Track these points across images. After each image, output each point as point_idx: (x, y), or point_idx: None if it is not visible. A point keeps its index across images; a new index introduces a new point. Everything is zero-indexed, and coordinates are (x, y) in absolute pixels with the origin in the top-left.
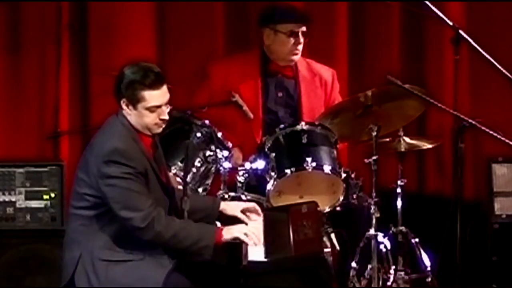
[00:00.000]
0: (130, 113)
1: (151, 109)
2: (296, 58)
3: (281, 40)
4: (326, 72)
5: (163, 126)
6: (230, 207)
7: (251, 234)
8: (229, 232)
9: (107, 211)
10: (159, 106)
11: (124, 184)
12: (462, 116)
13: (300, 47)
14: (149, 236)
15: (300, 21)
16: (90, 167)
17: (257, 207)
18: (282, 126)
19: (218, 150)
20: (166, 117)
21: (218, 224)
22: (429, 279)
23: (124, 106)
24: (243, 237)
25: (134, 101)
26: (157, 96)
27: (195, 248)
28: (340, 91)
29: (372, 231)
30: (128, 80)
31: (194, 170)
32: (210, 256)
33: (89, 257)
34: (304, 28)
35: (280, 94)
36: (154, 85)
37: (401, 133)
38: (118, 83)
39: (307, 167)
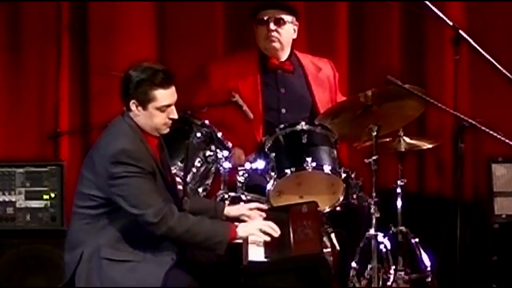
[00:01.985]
0: (139, 114)
1: (162, 109)
2: (275, 45)
3: (256, 30)
4: (326, 66)
5: (170, 125)
6: (235, 208)
7: (267, 228)
8: (244, 230)
9: (112, 210)
10: (169, 105)
11: (134, 183)
12: (462, 116)
13: (275, 34)
14: (161, 231)
15: (264, 8)
16: (96, 167)
17: (260, 205)
18: (282, 126)
19: (218, 150)
20: (176, 116)
21: None
22: (429, 279)
23: (133, 108)
24: (259, 234)
25: (145, 101)
26: (168, 95)
27: (208, 243)
28: (340, 87)
29: (372, 231)
30: (137, 80)
31: (194, 170)
32: (223, 252)
33: (92, 254)
34: (278, 16)
35: (282, 90)
36: (165, 84)
37: (401, 133)
38: (126, 84)
39: (307, 167)
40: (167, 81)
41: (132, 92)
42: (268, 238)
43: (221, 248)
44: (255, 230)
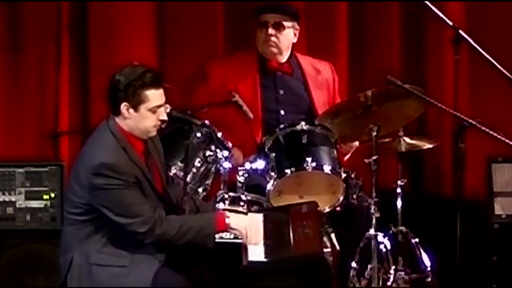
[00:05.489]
0: (129, 117)
1: (153, 110)
2: (273, 50)
3: (256, 32)
4: (325, 69)
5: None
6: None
7: (250, 232)
8: (237, 223)
9: (98, 216)
10: (160, 106)
11: (118, 194)
12: (462, 116)
13: (274, 38)
14: (150, 239)
15: (264, 12)
16: (80, 178)
17: None
18: (282, 126)
19: (218, 150)
20: (166, 117)
21: None
22: (429, 279)
23: (124, 111)
24: (243, 234)
25: (137, 103)
26: (159, 95)
27: (198, 239)
28: (339, 89)
29: (372, 231)
30: (128, 82)
31: (194, 170)
32: (212, 245)
33: (81, 260)
34: (278, 20)
35: (281, 92)
36: (156, 84)
37: (401, 133)
38: (115, 88)
39: (307, 167)
40: (157, 81)
41: (123, 95)
42: (247, 241)
43: (210, 242)
44: (244, 229)
